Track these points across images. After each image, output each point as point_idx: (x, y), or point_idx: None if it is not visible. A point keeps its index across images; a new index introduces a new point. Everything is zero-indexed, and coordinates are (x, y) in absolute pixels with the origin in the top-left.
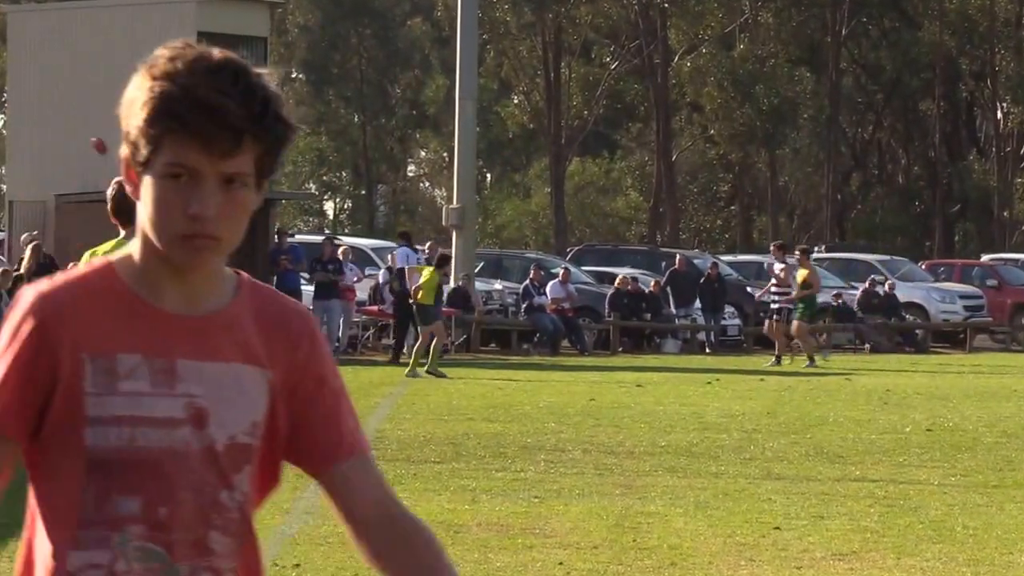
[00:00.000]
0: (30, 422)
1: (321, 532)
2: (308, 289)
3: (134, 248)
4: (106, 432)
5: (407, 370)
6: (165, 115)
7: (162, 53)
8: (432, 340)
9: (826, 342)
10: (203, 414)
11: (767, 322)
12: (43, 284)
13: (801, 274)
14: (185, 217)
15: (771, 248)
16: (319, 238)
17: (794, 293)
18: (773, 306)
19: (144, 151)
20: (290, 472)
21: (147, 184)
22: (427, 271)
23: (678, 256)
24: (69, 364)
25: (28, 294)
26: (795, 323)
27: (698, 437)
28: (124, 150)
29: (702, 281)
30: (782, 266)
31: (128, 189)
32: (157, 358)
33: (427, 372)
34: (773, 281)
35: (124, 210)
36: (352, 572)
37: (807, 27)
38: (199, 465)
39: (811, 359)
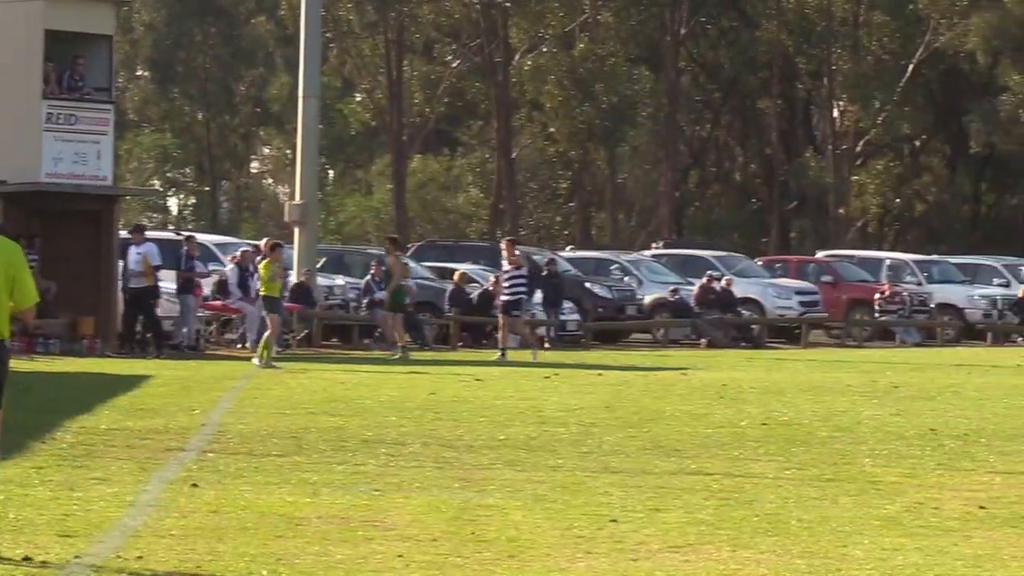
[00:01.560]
0: None
1: (164, 525)
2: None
3: None
4: None
5: (256, 359)
6: None
7: None
8: (271, 330)
9: (664, 337)
10: None
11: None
12: None
13: (389, 263)
14: None
15: (502, 243)
16: (166, 234)
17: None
18: (502, 300)
19: None
20: (134, 465)
21: None
22: (263, 264)
23: (517, 251)
24: None
25: None
26: (382, 314)
27: (536, 431)
28: None
29: (541, 277)
30: (513, 259)
31: None
32: None
33: (259, 365)
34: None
35: None
36: (194, 564)
37: (646, 26)
38: None
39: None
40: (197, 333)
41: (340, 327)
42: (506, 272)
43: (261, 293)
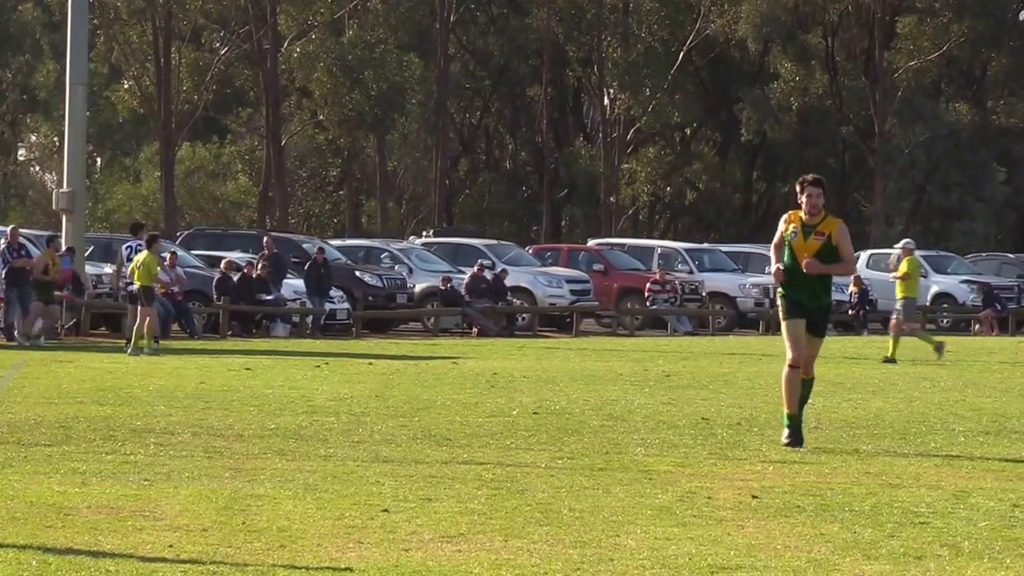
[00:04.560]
0: None
1: None
2: None
3: None
4: None
5: (129, 348)
6: None
7: None
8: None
9: (434, 326)
10: None
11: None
12: None
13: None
14: None
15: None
16: None
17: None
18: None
19: None
20: None
21: None
22: (144, 254)
23: (265, 238)
24: None
25: None
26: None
27: (307, 420)
28: None
29: (308, 265)
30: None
31: None
32: None
33: (134, 352)
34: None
35: None
36: None
37: (416, 13)
38: None
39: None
40: None
41: (109, 316)
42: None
43: (140, 284)
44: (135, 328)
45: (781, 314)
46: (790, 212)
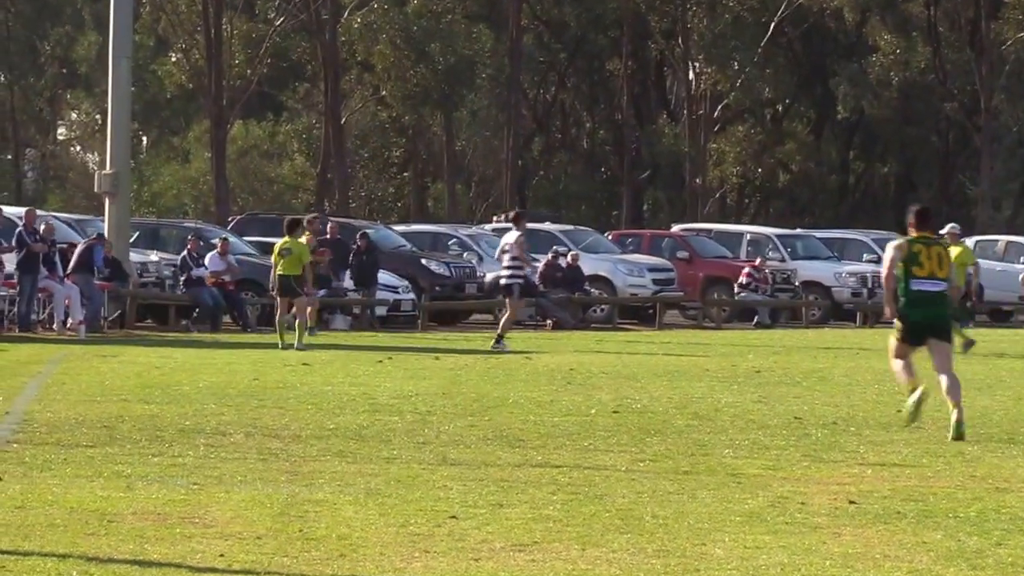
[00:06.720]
0: None
1: None
2: None
3: None
4: None
5: (293, 342)
6: None
7: None
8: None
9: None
10: None
11: None
12: None
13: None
14: None
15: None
16: None
17: None
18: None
19: None
20: None
21: None
22: (289, 240)
23: (330, 224)
24: None
25: None
26: None
27: (369, 419)
28: None
29: (352, 254)
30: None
31: None
32: None
33: (298, 347)
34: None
35: None
36: None
37: None
38: None
39: None
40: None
41: (155, 307)
42: None
43: (290, 274)
44: (298, 323)
45: None
46: None
